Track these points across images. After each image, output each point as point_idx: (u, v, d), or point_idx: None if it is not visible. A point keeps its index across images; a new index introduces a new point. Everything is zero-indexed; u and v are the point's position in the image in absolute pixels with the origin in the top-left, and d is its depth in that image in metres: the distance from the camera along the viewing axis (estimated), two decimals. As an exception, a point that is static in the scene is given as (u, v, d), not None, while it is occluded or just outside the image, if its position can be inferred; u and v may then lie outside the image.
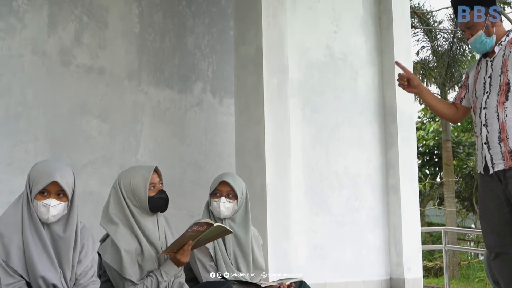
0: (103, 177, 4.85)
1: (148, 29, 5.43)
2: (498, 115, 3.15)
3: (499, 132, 3.14)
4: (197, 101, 5.67)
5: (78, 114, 4.95)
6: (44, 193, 2.61)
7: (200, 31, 5.78)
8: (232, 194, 3.34)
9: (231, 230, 3.08)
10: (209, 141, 5.70)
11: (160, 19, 5.52)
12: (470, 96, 3.37)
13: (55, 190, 2.62)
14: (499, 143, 3.14)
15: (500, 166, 3.13)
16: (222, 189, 3.34)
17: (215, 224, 2.91)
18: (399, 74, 3.44)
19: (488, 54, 3.30)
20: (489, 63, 3.28)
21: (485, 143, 3.20)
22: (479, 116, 3.24)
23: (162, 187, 3.08)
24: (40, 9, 4.82)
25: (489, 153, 3.18)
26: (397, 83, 3.52)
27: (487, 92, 3.23)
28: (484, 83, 3.27)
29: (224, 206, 3.31)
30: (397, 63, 3.49)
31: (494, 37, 3.24)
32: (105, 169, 4.97)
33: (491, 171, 3.18)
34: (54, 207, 2.60)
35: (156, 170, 3.08)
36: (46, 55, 4.82)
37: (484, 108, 3.22)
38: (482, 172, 3.22)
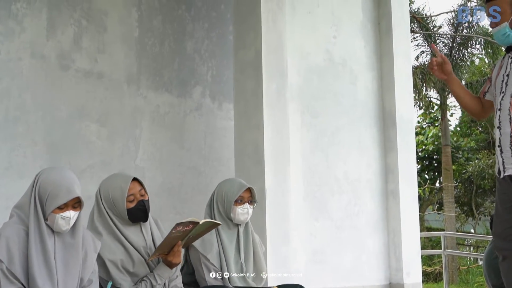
0: (102, 182, 4.83)
1: (148, 34, 5.42)
2: (510, 118, 3.02)
3: (511, 136, 3.00)
4: (196, 105, 5.66)
5: (77, 119, 4.94)
6: (62, 206, 2.61)
7: (200, 35, 5.77)
8: (251, 200, 3.54)
9: (219, 222, 3.18)
10: (208, 146, 5.69)
11: (159, 24, 5.52)
12: (493, 92, 3.20)
13: (72, 203, 2.64)
14: (510, 147, 3.01)
15: (509, 171, 3.02)
16: (244, 195, 3.51)
17: (201, 222, 2.94)
18: (431, 59, 3.26)
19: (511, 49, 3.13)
20: (510, 60, 3.11)
21: (498, 146, 3.08)
22: (495, 117, 3.10)
23: (144, 197, 3.05)
24: (39, 12, 4.81)
25: (501, 156, 3.06)
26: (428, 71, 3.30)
27: (502, 92, 3.08)
28: (502, 81, 3.10)
29: (249, 212, 3.49)
30: (433, 47, 3.31)
31: None
32: (104, 173, 4.89)
33: (501, 175, 3.06)
34: (72, 219, 2.63)
35: (136, 179, 3.06)
36: (45, 59, 4.81)
37: (499, 109, 3.07)
38: (498, 175, 3.11)
